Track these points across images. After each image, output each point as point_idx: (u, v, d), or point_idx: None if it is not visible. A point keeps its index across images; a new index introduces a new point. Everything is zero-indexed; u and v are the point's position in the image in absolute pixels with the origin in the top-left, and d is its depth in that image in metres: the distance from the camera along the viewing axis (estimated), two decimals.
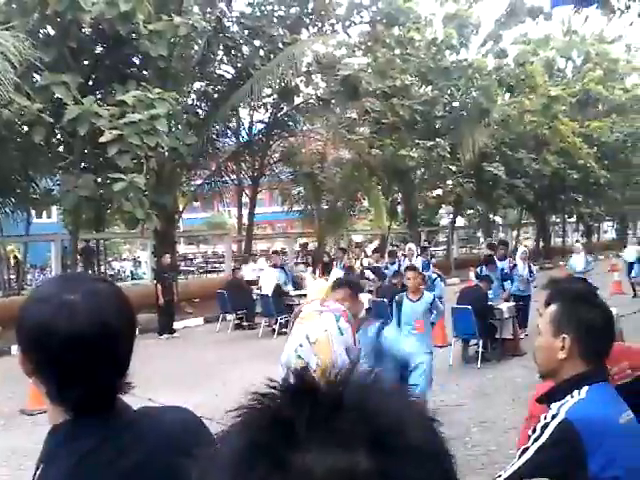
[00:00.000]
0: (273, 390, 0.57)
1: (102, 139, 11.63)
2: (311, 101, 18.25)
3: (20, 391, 8.22)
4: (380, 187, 20.56)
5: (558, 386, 1.88)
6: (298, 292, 12.99)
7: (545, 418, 1.79)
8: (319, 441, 0.51)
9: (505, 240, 16.31)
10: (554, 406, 1.81)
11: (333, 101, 17.78)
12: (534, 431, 1.80)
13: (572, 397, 1.79)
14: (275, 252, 15.61)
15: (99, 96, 13.22)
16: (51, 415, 1.23)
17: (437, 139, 18.71)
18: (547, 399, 1.89)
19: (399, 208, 22.75)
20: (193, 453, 1.01)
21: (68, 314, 1.15)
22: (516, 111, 23.02)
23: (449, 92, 21.02)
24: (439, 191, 22.36)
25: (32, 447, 6.64)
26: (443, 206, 24.42)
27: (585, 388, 1.80)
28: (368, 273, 13.28)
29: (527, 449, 1.79)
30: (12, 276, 20.10)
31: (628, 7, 9.72)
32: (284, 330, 12.72)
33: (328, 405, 0.54)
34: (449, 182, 21.44)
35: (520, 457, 1.79)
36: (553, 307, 1.94)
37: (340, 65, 17.65)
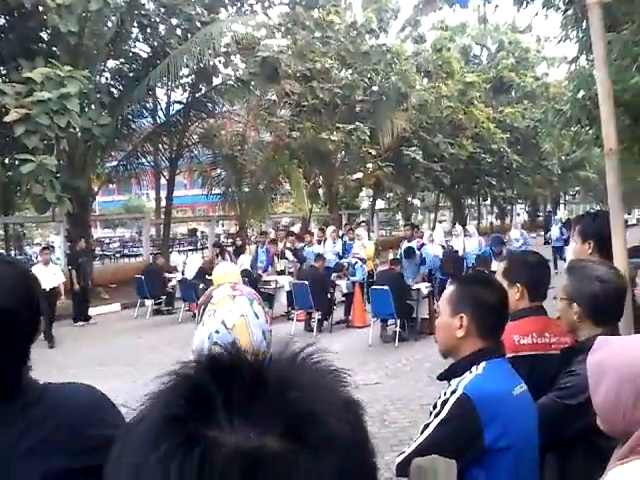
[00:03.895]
0: (192, 367, 0.55)
1: (7, 118, 11.03)
2: (230, 82, 17.94)
3: None
4: (301, 170, 20.58)
5: (457, 363, 1.95)
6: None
7: (445, 394, 1.86)
8: (234, 419, 0.50)
9: (413, 223, 16.77)
10: (453, 382, 1.88)
11: (253, 83, 17.55)
12: (435, 407, 1.87)
13: (470, 373, 1.87)
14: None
15: (3, 72, 12.50)
16: None
17: (357, 123, 18.86)
18: (447, 376, 1.97)
19: (320, 191, 22.88)
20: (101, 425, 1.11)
21: None
22: (433, 96, 23.55)
23: (368, 76, 21.21)
24: (359, 174, 22.61)
25: None
26: (363, 189, 24.74)
27: (482, 364, 1.87)
28: (288, 254, 13.30)
29: (428, 425, 1.85)
30: None
31: None
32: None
33: (248, 383, 0.53)
34: (369, 165, 21.72)
35: (422, 433, 1.86)
36: (450, 288, 2.02)
37: (259, 46, 17.41)
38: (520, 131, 29.71)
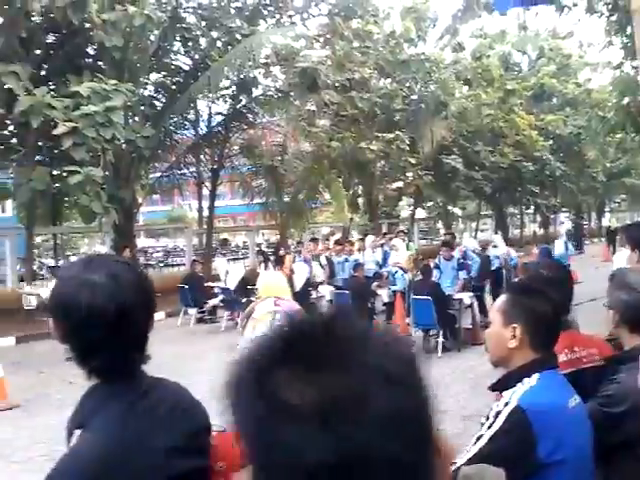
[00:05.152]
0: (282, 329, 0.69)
1: (56, 131, 11.36)
2: (270, 93, 18.14)
3: None
4: (341, 179, 20.62)
5: (509, 374, 1.92)
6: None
7: (497, 406, 1.83)
8: (333, 367, 0.64)
9: (452, 232, 16.58)
10: (506, 394, 1.85)
11: (292, 93, 17.70)
12: (487, 418, 1.84)
13: (523, 384, 1.83)
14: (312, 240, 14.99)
15: (52, 87, 12.86)
16: (84, 379, 1.38)
17: (396, 132, 18.83)
18: (499, 387, 1.94)
19: (360, 200, 22.86)
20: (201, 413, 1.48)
21: (90, 292, 1.32)
22: (473, 104, 23.34)
23: (407, 85, 21.17)
24: (399, 183, 22.53)
25: None
26: (403, 198, 24.62)
27: (536, 375, 1.84)
28: (322, 259, 13.33)
29: (481, 437, 1.82)
30: None
31: (575, 4, 9.97)
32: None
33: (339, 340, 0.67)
34: (409, 174, 21.63)
35: (474, 444, 1.83)
36: (503, 297, 2.00)
37: (299, 57, 17.58)
38: (562, 138, 29.21)
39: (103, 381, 1.36)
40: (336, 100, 17.76)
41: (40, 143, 13.66)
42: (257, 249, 17.04)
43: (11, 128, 13.98)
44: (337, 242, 14.76)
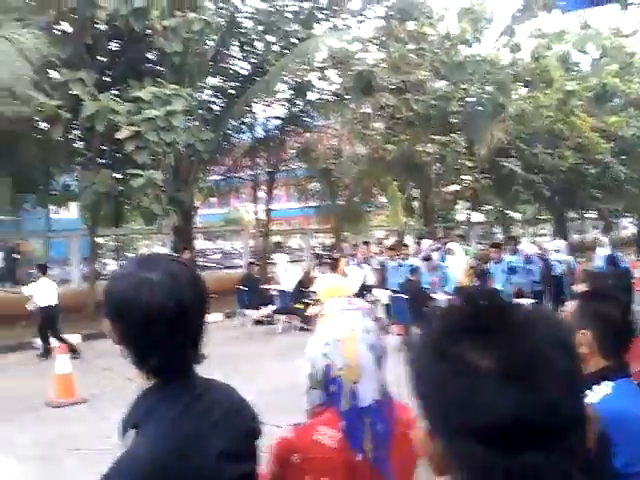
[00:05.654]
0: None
1: (119, 135, 11.69)
2: (326, 96, 18.20)
3: (47, 383, 8.35)
4: (396, 182, 20.49)
5: None
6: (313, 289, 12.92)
7: None
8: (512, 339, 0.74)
9: (513, 235, 16.18)
10: None
11: (347, 96, 17.72)
12: None
13: (595, 392, 1.77)
14: (365, 243, 15.08)
15: (116, 92, 13.25)
16: (140, 379, 1.39)
17: (452, 134, 18.60)
18: None
19: (415, 204, 22.66)
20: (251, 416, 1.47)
21: (148, 291, 1.31)
22: (532, 106, 22.81)
23: (463, 87, 20.88)
24: (455, 186, 22.23)
25: (59, 437, 6.77)
26: (460, 202, 24.29)
27: (610, 384, 1.79)
28: (374, 262, 13.25)
29: None
30: (32, 271, 20.28)
31: None
32: (304, 326, 12.71)
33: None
34: (465, 177, 21.32)
35: None
36: (573, 303, 1.95)
37: (354, 60, 17.59)
38: (625, 140, 28.19)
39: (159, 381, 1.35)
40: (391, 103, 17.68)
41: (104, 147, 14.09)
42: (313, 252, 17.12)
43: (76, 132, 14.46)
44: (391, 247, 14.64)
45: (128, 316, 1.32)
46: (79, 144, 14.91)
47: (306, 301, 12.24)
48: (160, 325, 1.29)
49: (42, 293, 11.04)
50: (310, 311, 4.92)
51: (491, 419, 0.68)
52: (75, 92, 12.31)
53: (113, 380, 9.32)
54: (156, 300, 1.29)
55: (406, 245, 15.30)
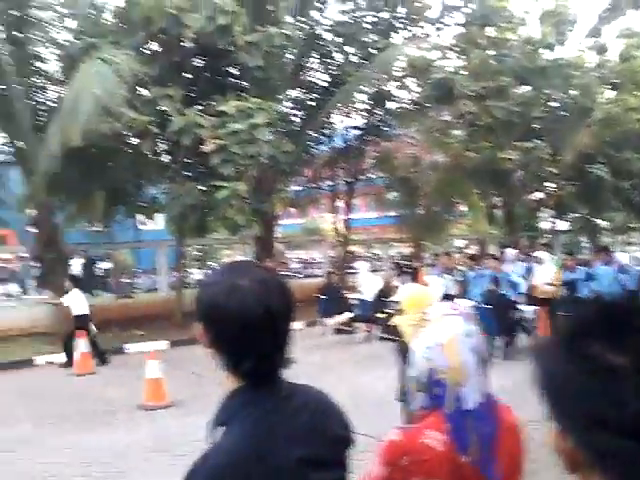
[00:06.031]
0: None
1: (205, 149, 12.11)
2: (405, 105, 18.15)
3: (138, 387, 8.71)
4: (477, 191, 20.11)
5: None
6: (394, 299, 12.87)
7: None
8: None
9: (606, 245, 15.41)
10: None
11: (427, 104, 17.60)
12: None
13: None
14: (446, 253, 14.95)
15: (200, 107, 13.74)
16: (226, 382, 1.41)
17: (535, 140, 18.09)
18: None
19: (497, 212, 22.14)
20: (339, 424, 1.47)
21: (239, 296, 1.34)
22: (620, 109, 21.84)
23: (546, 92, 20.27)
24: (539, 194, 21.57)
25: (150, 440, 7.05)
26: (544, 210, 23.51)
27: None
28: (456, 273, 12.99)
29: None
30: (124, 280, 21.30)
31: None
32: (384, 336, 12.66)
33: None
34: (550, 185, 20.66)
35: None
36: None
37: (433, 68, 17.47)
38: None
39: (246, 384, 1.38)
40: (472, 110, 17.41)
41: (189, 160, 14.62)
42: (394, 261, 17.06)
43: (163, 147, 15.07)
44: (471, 257, 14.36)
45: (219, 321, 1.35)
46: (166, 158, 15.54)
47: (387, 311, 12.19)
48: (249, 330, 1.32)
49: (75, 303, 11.62)
50: (393, 321, 4.91)
51: (630, 412, 0.73)
52: (163, 108, 12.85)
53: (200, 385, 9.63)
54: (246, 306, 1.32)
55: (494, 255, 14.92)
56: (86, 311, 11.77)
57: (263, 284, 1.37)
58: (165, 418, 7.98)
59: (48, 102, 14.96)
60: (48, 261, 14.14)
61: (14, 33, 13.75)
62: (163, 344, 13.12)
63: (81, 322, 11.64)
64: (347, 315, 13.13)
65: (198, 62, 15.01)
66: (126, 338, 13.81)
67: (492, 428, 1.66)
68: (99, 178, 13.83)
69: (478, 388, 1.68)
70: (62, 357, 12.21)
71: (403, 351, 4.82)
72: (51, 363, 12.17)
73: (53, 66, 15.25)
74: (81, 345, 11.30)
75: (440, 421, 1.66)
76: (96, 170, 13.73)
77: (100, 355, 11.70)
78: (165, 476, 5.96)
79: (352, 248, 21.52)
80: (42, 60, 15.01)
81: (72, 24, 15.00)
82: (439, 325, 1.80)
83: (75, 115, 11.01)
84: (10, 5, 13.59)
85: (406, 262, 16.51)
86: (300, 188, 19.63)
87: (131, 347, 13.16)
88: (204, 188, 13.46)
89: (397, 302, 11.55)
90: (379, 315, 12.15)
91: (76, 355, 11.36)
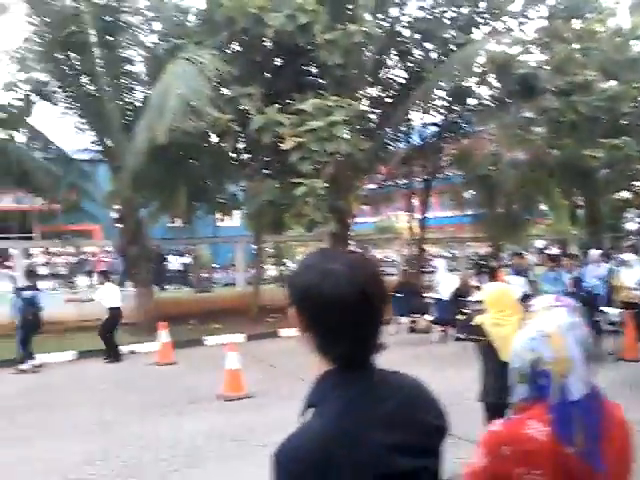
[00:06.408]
0: None
1: (284, 146, 12.28)
2: (485, 102, 17.77)
3: (216, 378, 8.96)
4: (559, 189, 19.44)
5: None
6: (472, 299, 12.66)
7: None
8: None
9: None
10: None
11: (508, 100, 17.15)
12: None
13: None
14: (518, 254, 14.74)
15: (280, 106, 13.94)
16: (317, 365, 1.40)
17: (623, 137, 17.29)
18: None
19: (580, 212, 21.32)
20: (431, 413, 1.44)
21: (333, 280, 1.34)
22: None
23: (636, 86, 19.33)
24: (626, 193, 20.62)
25: (228, 429, 7.25)
26: (630, 210, 22.48)
27: None
28: (531, 274, 12.66)
29: None
30: (203, 275, 21.94)
31: None
32: (460, 336, 12.46)
33: None
34: (637, 184, 19.72)
35: None
36: None
37: (515, 63, 17.00)
38: None
39: (339, 367, 1.37)
40: (555, 105, 16.84)
41: (268, 158, 14.87)
42: (473, 261, 16.79)
43: (243, 145, 15.39)
44: (551, 258, 13.91)
45: (312, 305, 1.36)
46: (245, 156, 15.87)
47: (464, 310, 12.01)
48: (343, 314, 1.32)
49: (108, 296, 11.93)
50: (475, 320, 4.84)
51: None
52: (244, 107, 13.13)
53: (276, 377, 9.82)
54: (340, 289, 1.32)
55: (574, 255, 14.46)
56: (119, 304, 12.06)
57: (356, 268, 1.37)
58: (243, 408, 8.17)
59: (135, 102, 15.59)
60: (132, 255, 14.73)
61: (106, 37, 14.39)
62: (240, 337, 13.42)
63: (114, 315, 11.96)
64: (427, 318, 12.98)
65: (278, 61, 15.24)
66: (204, 331, 14.23)
67: (598, 420, 1.64)
68: (181, 175, 14.29)
69: (583, 379, 1.66)
70: (145, 347, 12.72)
71: (485, 350, 4.76)
72: (133, 352, 12.68)
73: (140, 67, 15.89)
74: (163, 335, 11.71)
75: (543, 412, 1.64)
76: (179, 167, 14.19)
77: (114, 352, 11.95)
78: (243, 464, 6.12)
79: (427, 247, 21.27)
80: (130, 62, 15.65)
81: (157, 27, 15.57)
82: (543, 316, 1.79)
83: (161, 113, 11.42)
84: (103, 11, 14.23)
85: (484, 262, 16.20)
86: (375, 186, 19.57)
87: (209, 340, 13.53)
88: (282, 185, 13.64)
89: (476, 302, 11.36)
90: (458, 316, 11.98)
91: (157, 345, 11.79)
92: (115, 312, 12.00)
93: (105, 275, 12.98)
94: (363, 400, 1.34)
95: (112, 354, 11.90)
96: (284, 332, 14.16)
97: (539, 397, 1.67)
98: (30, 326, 11.23)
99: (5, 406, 8.84)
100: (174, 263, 23.85)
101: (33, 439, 7.25)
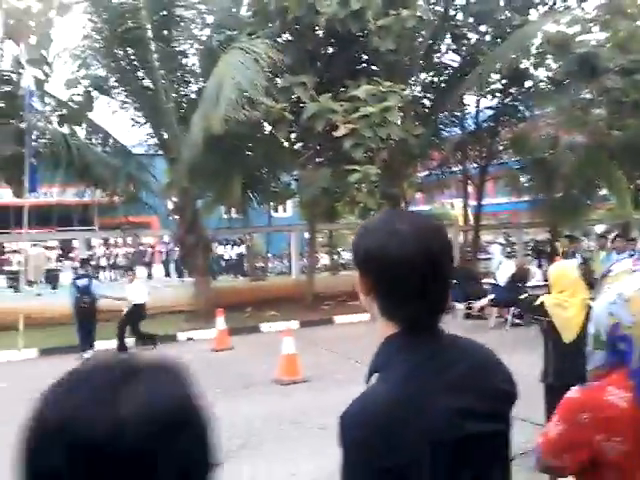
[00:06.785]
0: None
1: (337, 133, 12.29)
2: (542, 84, 17.30)
3: (272, 363, 9.08)
4: (622, 172, 18.76)
5: None
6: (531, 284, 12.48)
7: None
8: None
9: None
10: None
11: (567, 82, 16.65)
12: None
13: None
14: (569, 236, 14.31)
15: (332, 93, 13.93)
16: (382, 328, 1.37)
17: None
18: None
19: None
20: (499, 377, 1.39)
21: (400, 241, 1.30)
22: None
23: None
24: None
25: (284, 412, 7.35)
26: None
27: None
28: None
29: None
30: (257, 264, 22.24)
31: None
32: (517, 322, 12.27)
33: None
34: None
35: None
36: None
37: (574, 43, 16.47)
38: None
39: (404, 330, 1.34)
40: (617, 85, 16.24)
41: (321, 146, 14.90)
42: (531, 246, 16.49)
43: (295, 134, 15.47)
44: (613, 241, 13.47)
45: (377, 266, 1.33)
46: (298, 144, 15.94)
47: (521, 297, 11.76)
48: (409, 274, 1.29)
49: (136, 293, 11.95)
50: (540, 300, 4.74)
51: None
52: (297, 95, 13.18)
53: (331, 362, 9.89)
54: (406, 249, 1.29)
55: (633, 239, 14.00)
56: (144, 300, 12.13)
57: (422, 228, 1.35)
58: (299, 392, 8.26)
59: (190, 94, 15.87)
60: (188, 245, 15.03)
61: (161, 32, 14.68)
62: (294, 324, 13.55)
63: (139, 310, 12.00)
64: (485, 300, 12.77)
65: (330, 49, 15.22)
66: (260, 318, 14.42)
67: None
68: (236, 165, 14.47)
69: None
70: (202, 334, 12.99)
71: (546, 331, 4.67)
72: (191, 339, 12.97)
73: (194, 60, 16.15)
74: (219, 322, 11.93)
75: (624, 378, 1.59)
76: (233, 157, 14.38)
77: (150, 338, 11.99)
78: (300, 447, 6.19)
79: (482, 234, 20.94)
80: (185, 55, 15.92)
81: (210, 20, 15.78)
82: (624, 280, 1.74)
83: (216, 104, 11.59)
84: (159, 6, 14.53)
85: (543, 247, 15.87)
86: (428, 172, 19.36)
87: (265, 326, 13.71)
88: (335, 172, 13.66)
89: (534, 286, 11.13)
90: (520, 297, 11.75)
91: (214, 332, 12.02)
92: (140, 308, 12.03)
93: (133, 271, 13.18)
94: (430, 364, 1.31)
95: (149, 341, 11.99)
96: (339, 319, 14.19)
97: (619, 363, 1.62)
98: (85, 314, 11.33)
99: None
100: (229, 252, 24.26)
101: None
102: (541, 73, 17.23)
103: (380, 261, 1.32)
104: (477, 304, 12.35)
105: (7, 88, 14.11)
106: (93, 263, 20.40)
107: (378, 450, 1.20)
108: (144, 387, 0.78)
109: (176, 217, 15.59)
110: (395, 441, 1.21)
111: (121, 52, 14.84)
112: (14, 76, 14.27)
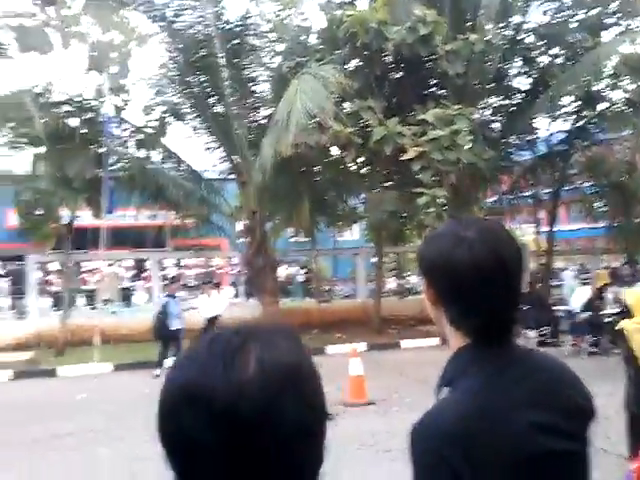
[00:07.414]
0: None
1: (406, 156, 12.32)
2: (618, 105, 16.79)
3: (338, 385, 9.06)
4: None
5: None
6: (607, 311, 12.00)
7: None
8: None
9: None
10: None
11: None
12: None
13: None
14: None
15: (400, 117, 13.97)
16: (452, 339, 1.33)
17: None
18: None
19: None
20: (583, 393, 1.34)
21: (467, 248, 1.25)
22: None
23: None
24: None
25: (353, 435, 7.30)
26: None
27: None
28: None
29: None
30: (324, 286, 22.30)
31: None
32: (594, 350, 11.81)
33: None
34: None
35: None
36: None
37: None
38: None
39: (474, 341, 1.28)
40: None
41: (388, 169, 14.93)
42: (608, 271, 15.93)
43: (363, 158, 15.57)
44: None
45: (444, 274, 1.28)
46: (365, 168, 16.02)
47: (597, 322, 11.41)
48: (480, 282, 1.23)
49: (208, 306, 12.01)
50: (620, 325, 4.57)
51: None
52: (365, 119, 13.31)
53: (398, 385, 9.79)
54: (474, 256, 1.24)
55: None
56: (214, 314, 12.30)
57: (491, 234, 1.29)
58: (367, 415, 8.21)
59: (260, 120, 16.27)
60: (257, 267, 15.27)
61: (232, 60, 15.19)
62: (361, 346, 13.48)
63: (213, 324, 12.20)
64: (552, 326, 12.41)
65: (398, 73, 15.31)
66: (326, 340, 14.44)
67: None
68: (304, 189, 14.71)
69: None
70: None
71: (627, 357, 4.49)
72: None
73: (264, 87, 16.59)
74: None
75: None
76: (302, 181, 14.63)
77: None
78: (371, 470, 6.13)
79: (555, 260, 20.31)
80: (255, 82, 16.38)
81: (280, 47, 16.21)
82: None
83: (286, 128, 11.85)
84: (230, 35, 15.06)
85: (620, 272, 15.27)
86: (497, 197, 19.02)
87: (331, 348, 13.71)
88: (403, 196, 13.65)
89: (613, 314, 10.71)
90: (605, 320, 11.32)
91: None
92: (212, 322, 12.28)
93: (208, 285, 13.45)
94: (503, 377, 1.26)
95: None
96: (405, 343, 14.02)
97: None
98: (159, 333, 11.66)
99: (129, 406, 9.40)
100: (296, 274, 24.45)
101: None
102: (617, 95, 16.72)
103: (446, 268, 1.28)
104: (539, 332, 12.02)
105: (89, 115, 14.88)
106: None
107: (449, 461, 1.16)
108: (261, 348, 0.82)
109: (245, 239, 15.91)
110: (467, 453, 1.17)
111: (194, 80, 15.42)
112: (95, 103, 15.05)
